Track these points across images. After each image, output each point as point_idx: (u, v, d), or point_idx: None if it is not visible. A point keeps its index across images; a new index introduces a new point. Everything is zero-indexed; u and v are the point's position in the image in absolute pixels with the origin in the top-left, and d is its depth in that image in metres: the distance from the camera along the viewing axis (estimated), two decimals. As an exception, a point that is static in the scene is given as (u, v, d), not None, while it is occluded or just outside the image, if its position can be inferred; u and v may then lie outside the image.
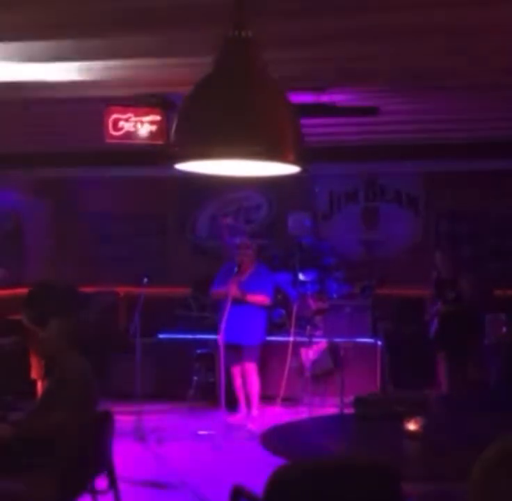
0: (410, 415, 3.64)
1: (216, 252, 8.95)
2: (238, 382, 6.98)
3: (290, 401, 7.44)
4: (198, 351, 7.59)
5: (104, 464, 3.81)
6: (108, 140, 5.11)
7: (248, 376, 6.86)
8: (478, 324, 7.15)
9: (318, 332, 7.44)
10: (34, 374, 6.62)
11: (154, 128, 5.00)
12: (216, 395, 6.87)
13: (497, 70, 4.39)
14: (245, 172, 2.62)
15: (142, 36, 3.65)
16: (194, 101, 2.31)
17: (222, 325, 6.39)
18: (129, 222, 9.71)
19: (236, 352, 6.76)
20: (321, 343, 7.42)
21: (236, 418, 6.90)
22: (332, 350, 7.33)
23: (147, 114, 5.03)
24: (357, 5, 3.26)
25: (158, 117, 5.00)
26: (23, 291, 7.40)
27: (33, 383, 6.60)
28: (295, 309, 7.54)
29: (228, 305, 6.40)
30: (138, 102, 5.07)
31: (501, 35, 3.61)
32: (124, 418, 6.10)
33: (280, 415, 6.94)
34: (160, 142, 5.02)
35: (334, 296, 7.93)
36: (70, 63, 4.10)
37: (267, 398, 7.33)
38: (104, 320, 8.42)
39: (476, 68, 4.35)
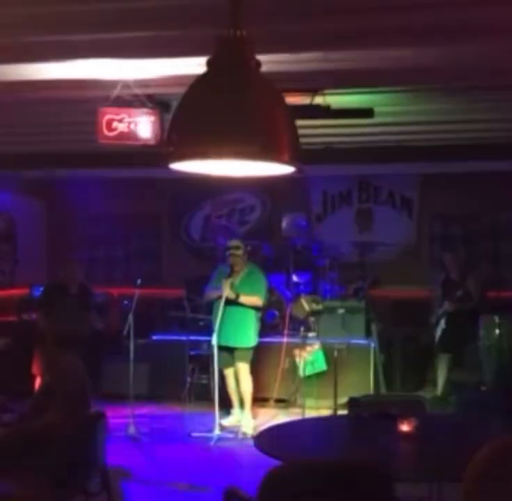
0: (404, 417, 3.64)
1: (209, 254, 8.94)
2: (231, 384, 6.97)
3: (283, 402, 7.43)
4: (192, 353, 7.57)
5: (97, 465, 3.80)
6: (102, 141, 5.09)
7: (241, 378, 6.85)
8: (477, 325, 7.20)
9: (311, 334, 7.43)
10: (34, 370, 6.63)
11: (147, 129, 4.98)
12: (209, 397, 6.85)
13: (493, 72, 4.40)
14: (239, 172, 2.62)
15: (137, 35, 3.65)
16: (189, 101, 2.30)
17: (216, 327, 6.38)
18: (123, 223, 9.69)
19: (229, 354, 6.75)
20: (315, 344, 7.41)
21: (230, 420, 6.89)
22: (326, 351, 7.32)
23: (140, 115, 5.01)
24: (352, 8, 3.26)
25: (152, 118, 4.98)
26: (16, 292, 7.41)
27: (29, 382, 6.58)
28: (288, 310, 7.54)
29: (221, 307, 6.39)
30: (132, 103, 5.05)
31: (496, 36, 3.63)
32: (117, 420, 6.09)
33: (273, 416, 6.93)
34: (154, 143, 5.01)
35: (328, 297, 7.92)
36: (66, 62, 4.09)
37: (260, 400, 7.33)
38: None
39: (471, 70, 4.36)
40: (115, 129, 5.04)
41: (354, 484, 2.74)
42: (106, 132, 5.05)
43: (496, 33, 3.58)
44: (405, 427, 3.59)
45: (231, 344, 6.68)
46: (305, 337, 7.21)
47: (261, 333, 7.08)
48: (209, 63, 2.36)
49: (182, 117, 2.31)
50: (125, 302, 7.94)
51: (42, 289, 7.37)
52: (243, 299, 6.65)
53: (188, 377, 7.49)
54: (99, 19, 3.42)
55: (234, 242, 6.95)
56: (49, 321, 6.59)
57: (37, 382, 6.41)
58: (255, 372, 7.02)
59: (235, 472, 5.54)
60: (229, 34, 2.33)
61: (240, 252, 6.81)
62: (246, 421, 6.77)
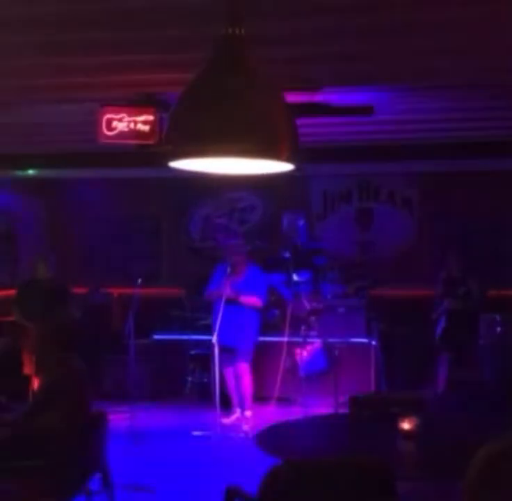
0: (405, 415, 3.64)
1: (209, 254, 8.93)
2: (231, 384, 6.97)
3: (284, 401, 7.43)
4: (192, 352, 7.57)
5: (98, 465, 3.80)
6: (102, 141, 5.10)
7: (241, 377, 6.85)
8: (477, 323, 7.21)
9: (312, 333, 7.43)
10: (27, 370, 6.63)
11: (147, 128, 4.98)
12: (210, 396, 6.85)
13: (493, 70, 4.39)
14: (238, 170, 2.62)
15: (136, 35, 3.64)
16: (188, 99, 2.30)
17: (216, 327, 6.38)
18: (123, 223, 9.68)
19: (229, 353, 6.75)
20: (315, 343, 7.41)
21: (231, 419, 6.89)
22: (327, 350, 7.32)
23: (140, 114, 5.01)
24: (352, 5, 3.26)
25: (151, 117, 4.98)
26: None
27: (27, 381, 6.58)
28: (289, 309, 7.54)
29: (222, 307, 6.39)
30: (131, 102, 5.05)
31: (497, 33, 3.62)
32: (118, 419, 6.09)
33: (274, 415, 6.93)
34: (153, 142, 5.01)
35: (328, 296, 7.92)
36: (65, 60, 4.09)
37: (261, 398, 7.32)
38: (98, 321, 8.39)
39: (470, 67, 4.36)
40: (114, 129, 5.04)
41: (354, 483, 2.73)
42: (105, 131, 5.06)
43: (495, 31, 3.58)
44: (405, 426, 3.59)
45: (231, 344, 6.68)
46: (306, 336, 7.21)
47: (262, 332, 7.09)
48: (208, 62, 2.36)
49: (181, 116, 2.31)
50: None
51: (16, 287, 7.36)
52: (243, 299, 6.66)
53: (189, 376, 7.49)
54: (99, 19, 3.41)
55: (237, 242, 6.97)
56: (26, 319, 6.60)
57: (36, 382, 6.43)
58: (256, 371, 7.02)
59: (236, 471, 5.53)
60: (228, 32, 2.33)
61: (242, 251, 6.84)
62: (247, 420, 6.77)
